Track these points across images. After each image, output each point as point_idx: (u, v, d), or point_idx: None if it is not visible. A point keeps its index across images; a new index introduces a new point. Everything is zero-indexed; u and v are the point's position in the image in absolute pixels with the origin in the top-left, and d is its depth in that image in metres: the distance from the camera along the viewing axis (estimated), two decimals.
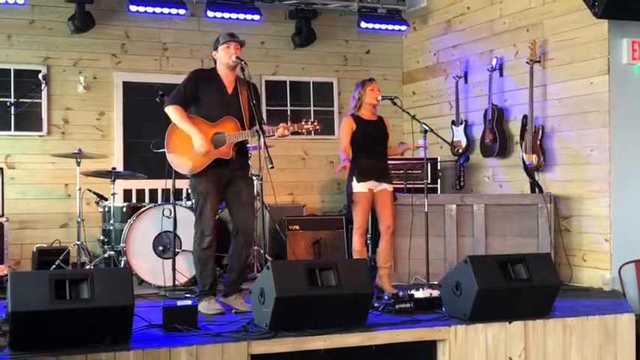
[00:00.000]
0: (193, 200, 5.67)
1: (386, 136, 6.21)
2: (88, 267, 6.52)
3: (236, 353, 4.19)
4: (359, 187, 6.01)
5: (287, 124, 5.41)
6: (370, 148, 6.07)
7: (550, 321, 4.91)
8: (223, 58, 5.36)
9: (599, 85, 6.44)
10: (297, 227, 7.55)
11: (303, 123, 5.49)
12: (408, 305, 5.10)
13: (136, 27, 8.02)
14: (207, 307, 5.22)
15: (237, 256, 5.45)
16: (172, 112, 5.29)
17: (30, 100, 7.33)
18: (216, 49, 5.41)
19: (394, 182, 6.40)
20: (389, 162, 6.36)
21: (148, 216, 6.50)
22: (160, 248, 6.48)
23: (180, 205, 6.54)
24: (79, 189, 6.77)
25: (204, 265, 5.35)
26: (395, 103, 6.21)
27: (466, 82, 8.03)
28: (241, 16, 8.01)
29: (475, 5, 7.95)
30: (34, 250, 7.13)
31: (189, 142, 5.23)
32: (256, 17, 8.07)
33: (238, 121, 5.32)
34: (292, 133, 5.48)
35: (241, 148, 5.41)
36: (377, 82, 6.24)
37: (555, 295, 5.04)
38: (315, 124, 5.51)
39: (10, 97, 7.43)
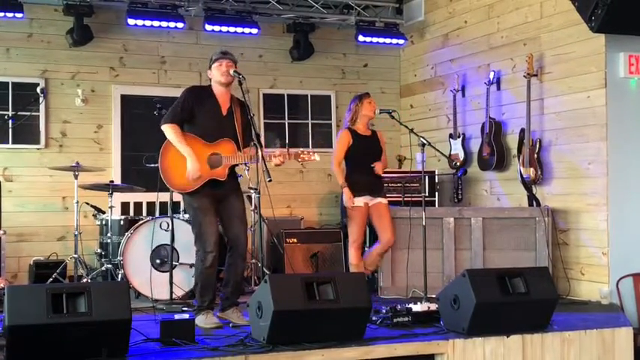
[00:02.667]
0: (190, 218, 5.64)
1: (380, 151, 6.26)
2: (85, 280, 6.51)
3: None
4: (354, 201, 6.04)
5: (285, 150, 5.41)
6: (365, 163, 6.14)
7: (548, 335, 4.91)
8: (216, 76, 5.37)
9: (596, 99, 6.46)
10: (295, 240, 7.54)
11: (299, 152, 5.45)
12: (405, 319, 5.09)
13: (134, 40, 8.04)
14: (204, 320, 5.21)
15: (232, 270, 5.44)
16: (169, 130, 5.29)
17: (28, 113, 7.34)
18: (210, 68, 5.43)
19: (392, 195, 6.42)
20: (387, 175, 6.38)
21: (145, 229, 6.49)
22: (158, 261, 6.47)
23: (178, 219, 6.53)
24: (77, 202, 6.76)
25: (206, 282, 5.34)
26: (393, 117, 6.24)
27: (463, 95, 8.05)
28: (239, 29, 8.03)
29: (472, 19, 7.98)
30: (31, 263, 7.13)
31: (182, 161, 5.24)
32: (254, 31, 8.08)
33: (235, 143, 5.33)
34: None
35: (232, 169, 5.42)
36: (373, 97, 6.31)
37: (553, 309, 5.03)
38: (311, 154, 5.46)
39: (8, 110, 7.44)
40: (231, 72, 5.31)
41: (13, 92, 7.55)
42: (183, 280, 6.37)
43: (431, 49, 8.66)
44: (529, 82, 6.93)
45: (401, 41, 8.79)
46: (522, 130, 7.00)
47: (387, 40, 8.72)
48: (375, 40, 8.66)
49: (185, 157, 5.23)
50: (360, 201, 6.06)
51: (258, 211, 6.93)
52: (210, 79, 5.47)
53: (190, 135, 5.31)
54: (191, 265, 6.06)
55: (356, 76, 9.00)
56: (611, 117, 6.39)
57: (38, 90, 7.14)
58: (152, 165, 5.66)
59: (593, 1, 6.01)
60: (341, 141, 6.20)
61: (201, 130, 5.31)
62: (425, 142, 6.04)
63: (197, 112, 5.32)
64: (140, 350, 4.30)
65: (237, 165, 5.47)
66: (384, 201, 6.21)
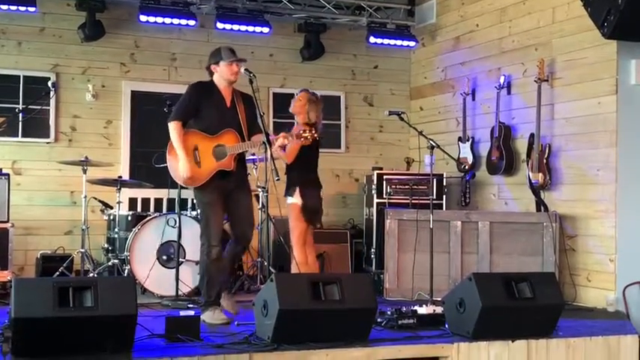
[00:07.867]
0: (199, 211, 5.74)
1: None
2: (91, 275, 6.53)
3: None
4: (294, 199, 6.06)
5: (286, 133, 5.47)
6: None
7: (553, 341, 4.89)
8: (226, 74, 5.41)
9: (607, 105, 6.44)
10: None
11: (301, 132, 5.54)
12: (411, 321, 5.08)
13: (145, 37, 8.06)
14: (212, 316, 5.26)
15: (231, 259, 5.61)
16: (172, 129, 5.34)
17: (38, 107, 7.35)
18: (216, 63, 5.43)
19: (400, 197, 6.43)
20: (395, 177, 6.41)
21: (152, 225, 6.51)
22: (164, 258, 6.49)
23: (185, 215, 6.55)
24: (85, 196, 6.78)
25: (212, 277, 5.38)
26: (402, 119, 6.24)
27: (473, 99, 8.03)
28: (250, 28, 8.05)
29: (484, 23, 7.97)
30: (38, 256, 7.14)
31: (191, 157, 5.30)
32: (266, 30, 8.10)
33: (238, 134, 5.39)
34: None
35: (241, 160, 5.49)
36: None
37: (559, 315, 5.02)
38: (314, 132, 5.55)
39: (19, 104, 7.46)
40: (242, 70, 5.37)
41: (24, 86, 7.57)
42: (190, 277, 6.38)
43: (442, 51, 8.65)
44: (540, 87, 6.92)
45: (412, 43, 8.79)
46: (532, 135, 6.99)
47: (398, 42, 8.73)
48: (386, 41, 8.67)
49: (192, 152, 5.31)
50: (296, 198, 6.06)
51: (266, 210, 6.93)
52: (212, 73, 5.48)
53: (194, 130, 5.37)
54: (197, 262, 6.06)
55: (366, 77, 8.99)
56: (621, 124, 6.37)
57: (49, 84, 7.14)
58: (162, 165, 5.72)
59: (606, 8, 5.99)
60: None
61: (206, 123, 5.38)
62: (434, 144, 6.04)
63: (202, 106, 5.39)
64: (145, 346, 4.31)
65: (244, 155, 5.53)
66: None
